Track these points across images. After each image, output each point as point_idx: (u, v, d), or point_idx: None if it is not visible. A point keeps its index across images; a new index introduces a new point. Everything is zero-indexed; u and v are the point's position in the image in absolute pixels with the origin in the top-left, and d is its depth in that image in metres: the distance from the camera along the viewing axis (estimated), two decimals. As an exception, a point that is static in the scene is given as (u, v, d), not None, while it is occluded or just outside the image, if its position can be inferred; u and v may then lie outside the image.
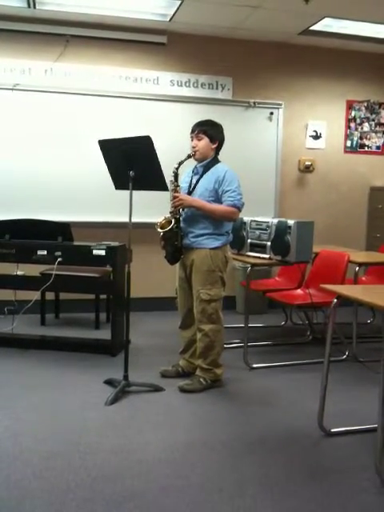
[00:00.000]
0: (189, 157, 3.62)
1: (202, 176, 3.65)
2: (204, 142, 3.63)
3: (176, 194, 3.54)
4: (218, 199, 3.58)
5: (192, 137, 3.66)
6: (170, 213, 3.60)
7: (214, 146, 3.66)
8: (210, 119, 3.73)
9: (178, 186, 3.58)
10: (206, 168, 3.65)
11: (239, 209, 3.58)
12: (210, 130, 3.63)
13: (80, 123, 5.46)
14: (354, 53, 6.19)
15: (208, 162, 3.66)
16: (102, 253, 4.23)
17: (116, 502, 2.34)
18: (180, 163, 3.57)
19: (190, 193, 3.66)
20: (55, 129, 5.40)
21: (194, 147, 3.64)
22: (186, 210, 3.63)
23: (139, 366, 3.92)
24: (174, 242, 3.61)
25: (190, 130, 3.67)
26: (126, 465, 2.65)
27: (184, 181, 3.76)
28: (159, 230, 3.59)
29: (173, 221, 3.57)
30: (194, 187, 3.66)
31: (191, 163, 3.73)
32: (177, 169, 3.56)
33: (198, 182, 3.66)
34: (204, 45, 5.78)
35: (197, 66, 5.78)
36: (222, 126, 3.72)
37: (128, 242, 3.62)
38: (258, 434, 3.05)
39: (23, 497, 2.35)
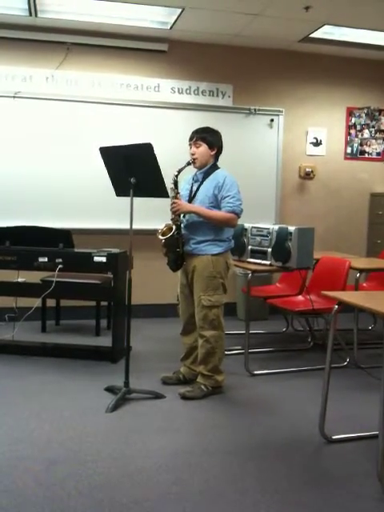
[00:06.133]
0: (188, 164, 3.63)
1: (202, 183, 3.66)
2: (203, 149, 3.64)
3: (175, 201, 3.56)
4: (218, 205, 3.59)
5: (191, 144, 3.68)
6: (171, 220, 3.61)
7: (213, 152, 3.67)
8: (208, 126, 3.75)
9: (177, 192, 3.59)
10: (206, 174, 3.67)
11: (238, 215, 3.59)
12: (208, 137, 3.65)
13: (81, 130, 5.48)
14: (353, 60, 6.22)
15: (207, 169, 3.67)
16: (103, 260, 4.23)
17: (117, 509, 2.33)
18: (179, 170, 3.58)
19: (190, 199, 3.67)
20: (56, 136, 5.42)
21: (192, 154, 3.65)
22: (187, 216, 3.64)
23: (140, 373, 3.92)
24: (175, 249, 3.61)
25: (189, 138, 3.69)
26: (127, 472, 2.65)
27: (184, 188, 3.77)
28: (160, 237, 3.60)
29: (174, 227, 3.58)
30: (195, 194, 3.67)
31: (191, 170, 3.74)
32: (176, 176, 3.57)
33: (198, 188, 3.67)
34: (204, 52, 5.81)
35: (197, 73, 5.81)
36: (220, 133, 3.73)
37: (129, 249, 3.63)
38: (259, 440, 3.04)
39: (24, 504, 2.34)
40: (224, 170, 3.68)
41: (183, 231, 3.64)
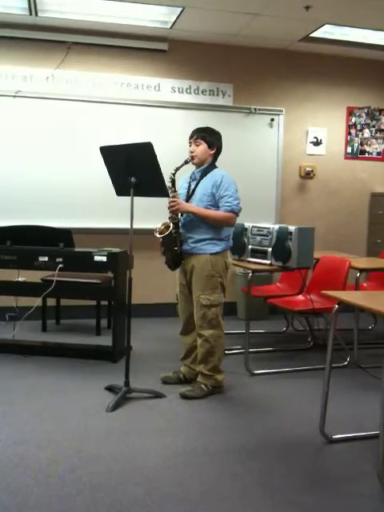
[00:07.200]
0: (185, 162, 3.63)
1: (199, 181, 3.67)
2: (202, 148, 3.65)
3: (174, 200, 3.56)
4: (215, 204, 3.59)
5: (190, 142, 3.69)
6: (169, 218, 3.62)
7: (212, 151, 3.68)
8: (209, 126, 3.76)
9: (175, 191, 3.60)
10: (204, 173, 3.67)
11: (237, 214, 3.59)
12: (208, 137, 3.66)
13: (81, 130, 5.48)
14: (354, 59, 6.22)
15: (206, 168, 3.68)
16: (104, 259, 4.23)
17: (117, 509, 2.33)
18: (177, 169, 3.58)
19: (188, 198, 3.68)
20: (56, 135, 5.42)
21: (191, 152, 3.66)
22: (184, 215, 3.64)
23: (140, 373, 3.92)
24: (173, 248, 3.61)
25: (189, 136, 3.70)
26: (127, 471, 2.65)
27: (182, 187, 3.78)
28: (158, 235, 3.60)
29: (171, 226, 3.58)
30: (193, 192, 3.67)
31: (189, 169, 3.74)
32: (173, 174, 3.57)
33: (196, 187, 3.67)
34: (205, 51, 5.81)
35: (198, 72, 5.81)
36: (220, 134, 3.74)
37: (129, 248, 3.63)
38: (259, 440, 3.04)
39: (24, 504, 2.34)
40: (222, 170, 3.69)
41: (181, 230, 3.64)
